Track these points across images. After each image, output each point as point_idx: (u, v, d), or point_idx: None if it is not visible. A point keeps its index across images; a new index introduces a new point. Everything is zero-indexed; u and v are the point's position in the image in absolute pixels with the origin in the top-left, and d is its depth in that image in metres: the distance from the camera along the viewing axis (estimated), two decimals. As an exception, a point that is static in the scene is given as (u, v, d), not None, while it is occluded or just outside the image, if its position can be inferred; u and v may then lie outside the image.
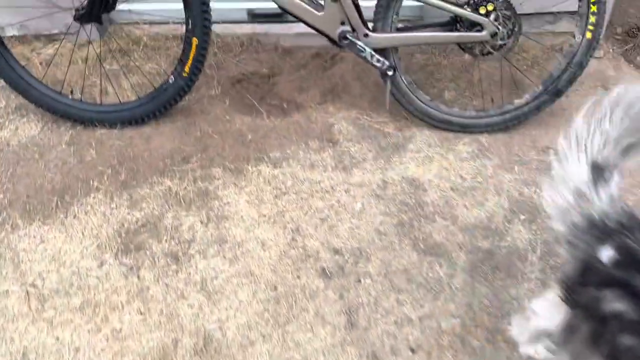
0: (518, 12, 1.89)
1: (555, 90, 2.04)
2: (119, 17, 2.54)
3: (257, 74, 2.44)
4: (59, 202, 1.89)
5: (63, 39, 2.30)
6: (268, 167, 2.01)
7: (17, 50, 2.47)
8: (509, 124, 2.11)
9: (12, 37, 2.52)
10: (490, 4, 1.86)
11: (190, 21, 1.92)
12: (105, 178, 1.96)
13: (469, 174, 1.98)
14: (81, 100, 2.12)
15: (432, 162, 2.02)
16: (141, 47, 2.50)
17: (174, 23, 2.52)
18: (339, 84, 2.34)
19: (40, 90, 2.07)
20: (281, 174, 1.98)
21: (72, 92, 2.14)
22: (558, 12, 2.40)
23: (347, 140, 2.11)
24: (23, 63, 2.34)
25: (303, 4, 1.88)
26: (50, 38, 2.51)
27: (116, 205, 1.88)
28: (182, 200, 1.89)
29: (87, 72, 2.30)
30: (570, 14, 2.37)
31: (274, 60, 2.50)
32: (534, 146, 2.09)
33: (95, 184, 1.95)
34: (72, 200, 1.90)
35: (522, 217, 1.82)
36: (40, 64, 2.41)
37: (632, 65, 2.46)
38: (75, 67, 2.33)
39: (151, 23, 2.58)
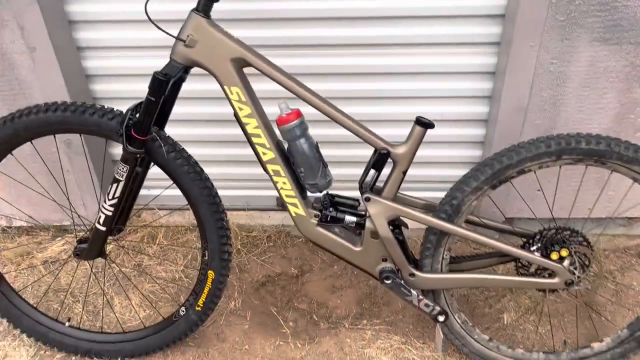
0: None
1: (644, 337, 1.68)
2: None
3: (285, 274, 2.16)
4: None
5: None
6: None
7: (21, 242, 2.27)
8: (587, 372, 1.73)
9: (19, 227, 2.32)
10: (564, 249, 1.54)
11: (207, 253, 1.65)
12: None
13: None
14: (79, 328, 1.84)
15: None
16: (157, 242, 2.25)
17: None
18: (378, 285, 2.03)
19: (33, 318, 1.82)
20: None
21: (69, 319, 1.87)
22: (633, 217, 2.08)
23: (387, 387, 1.76)
24: (25, 263, 2.13)
25: (337, 238, 1.60)
26: (59, 228, 2.30)
27: None
28: None
29: (90, 284, 2.04)
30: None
31: (304, 256, 2.23)
32: (619, 402, 1.70)
33: None
34: None
35: None
36: (43, 263, 2.18)
37: None
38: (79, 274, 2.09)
39: (172, 210, 2.36)
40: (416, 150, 1.52)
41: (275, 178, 1.53)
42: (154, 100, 1.44)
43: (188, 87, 1.82)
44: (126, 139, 1.48)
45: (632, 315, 1.74)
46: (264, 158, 1.51)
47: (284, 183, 1.53)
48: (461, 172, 1.59)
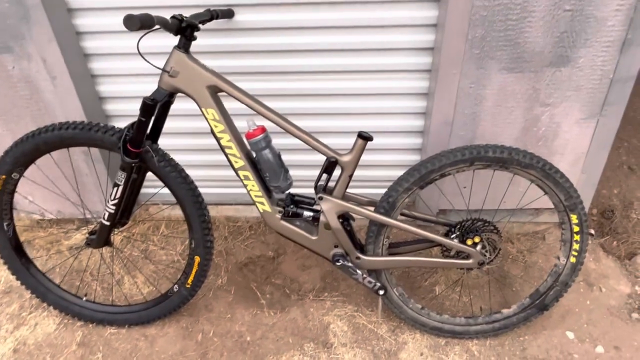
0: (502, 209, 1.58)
1: (542, 304, 1.69)
2: (144, 198, 2.30)
3: (264, 256, 2.14)
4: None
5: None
6: (263, 378, 1.65)
7: (51, 231, 2.24)
8: (499, 332, 1.73)
9: (50, 220, 2.28)
10: (477, 236, 1.54)
11: (193, 241, 1.63)
12: (107, 389, 1.62)
13: (461, 394, 1.59)
14: (94, 301, 1.82)
15: (424, 378, 1.64)
16: (160, 232, 2.23)
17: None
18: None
19: (57, 294, 1.79)
20: (275, 388, 1.62)
21: (86, 294, 1.85)
22: (538, 208, 2.09)
23: (341, 344, 1.75)
24: (54, 249, 2.10)
25: (298, 229, 1.59)
26: (83, 221, 2.27)
27: None
28: (176, 420, 1.54)
29: (106, 263, 2.02)
30: (549, 209, 2.05)
31: (280, 242, 2.21)
32: (523, 355, 1.70)
33: (97, 395, 1.61)
34: (71, 416, 1.56)
35: None
36: (70, 249, 2.15)
37: (610, 257, 2.09)
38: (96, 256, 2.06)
39: (174, 204, 2.33)
40: (359, 158, 1.51)
41: (245, 182, 1.51)
42: (144, 120, 1.41)
43: (182, 105, 1.81)
44: (123, 151, 1.46)
45: (535, 287, 1.74)
46: (236, 165, 1.50)
47: (253, 186, 1.52)
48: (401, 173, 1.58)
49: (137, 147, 1.45)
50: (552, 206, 1.58)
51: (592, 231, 2.23)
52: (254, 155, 1.51)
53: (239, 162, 1.49)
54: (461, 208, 2.05)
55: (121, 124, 2.05)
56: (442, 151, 1.53)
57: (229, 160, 1.50)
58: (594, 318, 1.83)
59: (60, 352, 1.74)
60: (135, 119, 1.43)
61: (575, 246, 1.58)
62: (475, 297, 1.90)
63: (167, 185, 1.56)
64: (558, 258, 1.65)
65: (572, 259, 1.60)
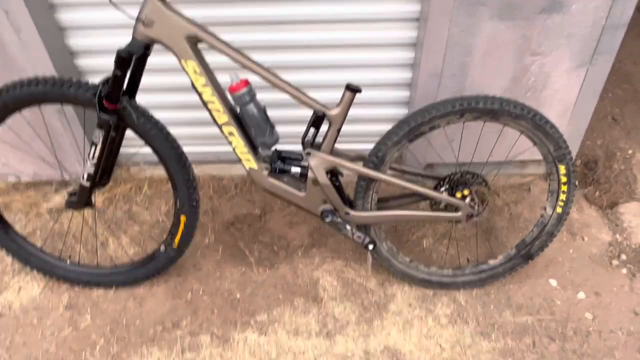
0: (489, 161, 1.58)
1: (527, 254, 1.72)
2: (125, 159, 2.22)
3: (250, 215, 2.12)
4: (51, 379, 1.55)
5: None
6: (254, 333, 1.67)
7: (29, 194, 2.16)
8: (485, 283, 1.77)
9: (27, 182, 2.20)
10: (466, 189, 1.54)
11: (178, 201, 1.59)
12: (98, 350, 1.62)
13: (448, 342, 1.63)
14: (78, 264, 1.79)
15: (413, 328, 1.67)
16: (143, 191, 2.17)
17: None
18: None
19: (39, 257, 1.75)
20: (266, 342, 1.64)
21: (69, 257, 1.81)
22: (524, 160, 2.09)
23: (331, 298, 1.77)
24: (33, 212, 2.04)
25: (285, 186, 1.56)
26: (61, 183, 2.20)
27: (106, 383, 1.54)
28: (169, 376, 1.55)
29: (89, 225, 1.97)
30: (536, 161, 2.06)
31: (266, 200, 2.18)
32: (508, 304, 1.75)
33: (88, 355, 1.60)
34: (62, 377, 1.56)
35: (502, 400, 1.48)
36: (49, 211, 2.09)
37: (593, 207, 2.13)
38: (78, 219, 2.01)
39: (156, 164, 2.27)
40: (347, 111, 1.46)
41: (230, 138, 1.46)
42: (120, 75, 1.33)
43: (161, 59, 1.71)
44: (99, 108, 1.38)
45: (520, 237, 1.77)
46: (220, 121, 1.44)
47: (238, 142, 1.47)
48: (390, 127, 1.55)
49: (113, 103, 1.37)
50: (539, 158, 1.58)
51: (577, 182, 2.25)
52: (238, 110, 1.45)
53: (223, 118, 1.43)
54: (449, 162, 2.03)
55: (97, 80, 1.94)
56: (431, 103, 1.49)
57: (212, 116, 1.44)
58: (576, 266, 1.87)
59: (47, 315, 1.72)
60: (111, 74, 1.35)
61: (562, 197, 1.59)
62: (461, 249, 1.93)
63: (147, 143, 1.50)
64: (544, 209, 1.66)
65: (559, 210, 1.62)
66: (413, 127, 1.47)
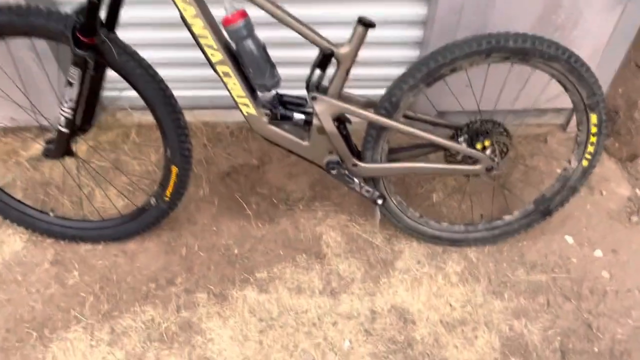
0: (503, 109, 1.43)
1: (546, 210, 1.61)
2: (110, 103, 2.04)
3: (247, 165, 1.98)
4: (38, 338, 1.46)
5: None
6: (254, 291, 1.57)
7: (7, 141, 1.99)
8: (498, 239, 1.67)
9: (4, 128, 2.02)
10: (487, 139, 1.39)
11: (168, 150, 1.44)
12: (87, 307, 1.52)
13: (459, 301, 1.55)
14: (63, 217, 1.65)
15: (421, 286, 1.59)
16: (130, 139, 2.01)
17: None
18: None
19: (20, 210, 1.61)
20: (267, 301, 1.55)
21: (52, 210, 1.68)
22: (543, 108, 1.93)
23: (335, 255, 1.67)
24: (12, 160, 1.88)
25: (287, 134, 1.40)
26: (41, 128, 2.02)
27: (96, 342, 1.46)
28: (164, 335, 1.47)
29: (71, 175, 1.82)
30: (555, 110, 1.91)
31: (264, 149, 2.03)
32: (521, 261, 1.66)
33: (76, 314, 1.51)
34: (51, 335, 1.47)
35: (514, 361, 1.42)
36: (29, 160, 1.93)
37: (612, 159, 2.01)
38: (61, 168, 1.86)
39: (144, 108, 2.09)
40: (358, 49, 1.29)
41: (225, 79, 1.29)
42: (95, 2, 1.14)
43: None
44: (73, 41, 1.19)
45: (537, 192, 1.65)
46: (213, 59, 1.26)
47: (234, 84, 1.29)
48: (399, 71, 1.37)
49: (89, 36, 1.19)
50: (560, 106, 1.43)
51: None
52: (234, 47, 1.26)
53: (217, 55, 1.25)
54: (463, 110, 1.87)
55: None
56: (453, 42, 1.31)
57: (204, 54, 1.26)
58: (593, 222, 1.77)
59: (32, 271, 1.61)
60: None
61: (590, 149, 1.46)
62: (474, 204, 1.81)
63: (131, 84, 1.32)
64: (569, 162, 1.53)
65: (585, 163, 1.49)
66: (433, 68, 1.30)
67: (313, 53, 1.30)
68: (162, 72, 1.37)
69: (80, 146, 1.92)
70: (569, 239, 1.73)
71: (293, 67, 1.88)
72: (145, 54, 1.35)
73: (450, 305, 1.54)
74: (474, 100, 1.55)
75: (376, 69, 1.93)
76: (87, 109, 1.41)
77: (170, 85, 1.37)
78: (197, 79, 1.96)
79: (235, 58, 1.28)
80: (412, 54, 1.88)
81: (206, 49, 1.24)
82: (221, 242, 1.69)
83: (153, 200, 1.56)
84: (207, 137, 2.04)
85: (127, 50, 1.26)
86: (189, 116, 2.04)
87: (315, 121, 1.37)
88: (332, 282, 1.60)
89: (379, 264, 1.65)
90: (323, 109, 1.34)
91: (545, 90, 1.68)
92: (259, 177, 1.95)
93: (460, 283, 1.59)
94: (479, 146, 1.40)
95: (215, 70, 1.28)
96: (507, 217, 1.65)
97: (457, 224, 1.66)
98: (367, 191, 1.49)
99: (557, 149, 2.00)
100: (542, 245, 1.70)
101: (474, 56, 1.28)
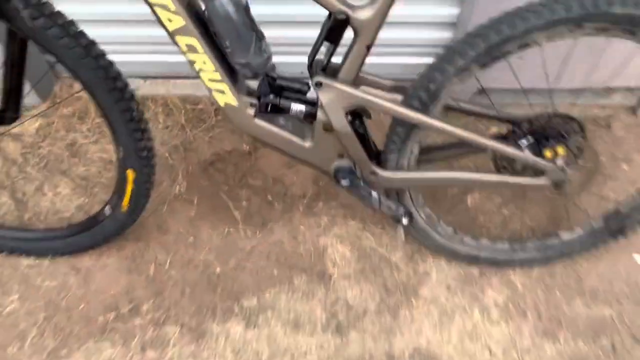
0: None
1: (620, 229, 1.23)
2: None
3: (236, 151, 1.60)
4: (-35, 384, 1.15)
5: None
6: (239, 325, 1.24)
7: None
8: (552, 261, 1.31)
9: None
10: (560, 145, 1.00)
11: (121, 149, 1.06)
12: (27, 345, 1.20)
13: (500, 344, 1.22)
14: (2, 226, 1.30)
15: (452, 323, 1.25)
16: (91, 118, 1.62)
17: (136, 77, 1.62)
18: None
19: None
20: (255, 339, 1.22)
21: (-18, 216, 1.32)
22: (611, 87, 1.52)
23: (343, 276, 1.33)
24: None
25: (282, 132, 1.01)
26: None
27: (38, 392, 1.14)
28: (125, 383, 1.15)
29: (19, 170, 1.45)
30: (626, 90, 1.49)
31: (257, 131, 1.63)
32: (579, 289, 1.31)
33: (15, 350, 1.19)
34: (-18, 381, 1.15)
35: None
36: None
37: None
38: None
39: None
40: (385, 16, 0.87)
41: (190, 56, 0.88)
42: None
43: None
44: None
45: (598, 198, 1.28)
46: (170, 27, 0.85)
47: (204, 62, 0.89)
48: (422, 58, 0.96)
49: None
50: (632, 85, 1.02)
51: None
52: (203, 8, 0.85)
53: (176, 21, 0.84)
54: (507, 87, 1.45)
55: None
56: (523, 6, 0.89)
57: (157, 18, 0.84)
58: (669, 237, 1.40)
59: (-39, 293, 1.28)
60: None
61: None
62: (520, 212, 1.44)
63: (58, 59, 0.92)
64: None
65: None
66: (494, 43, 0.89)
67: (319, 16, 0.89)
68: (126, 32, 0.96)
69: (28, 127, 1.54)
70: (639, 259, 1.37)
71: (290, 28, 1.46)
72: (104, 9, 0.94)
73: (490, 350, 1.21)
74: (531, 74, 1.14)
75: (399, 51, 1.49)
76: (9, 93, 1.02)
77: (134, 47, 0.96)
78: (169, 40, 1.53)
79: (205, 25, 0.87)
80: (441, 35, 1.44)
81: (158, 11, 0.83)
82: (199, 258, 1.34)
83: (108, 210, 1.20)
84: (186, 116, 1.64)
85: (44, 11, 0.85)
86: (162, 88, 1.65)
87: (320, 114, 0.98)
88: (339, 314, 1.26)
89: (399, 290, 1.30)
90: (331, 99, 0.94)
91: (627, 66, 1.26)
92: (251, 165, 1.57)
93: (502, 319, 1.25)
94: (548, 154, 1.01)
95: (174, 42, 0.88)
96: (566, 235, 1.28)
97: (499, 241, 1.30)
98: (389, 208, 1.11)
99: (625, 137, 1.60)
100: (605, 268, 1.34)
101: (559, 26, 0.86)
